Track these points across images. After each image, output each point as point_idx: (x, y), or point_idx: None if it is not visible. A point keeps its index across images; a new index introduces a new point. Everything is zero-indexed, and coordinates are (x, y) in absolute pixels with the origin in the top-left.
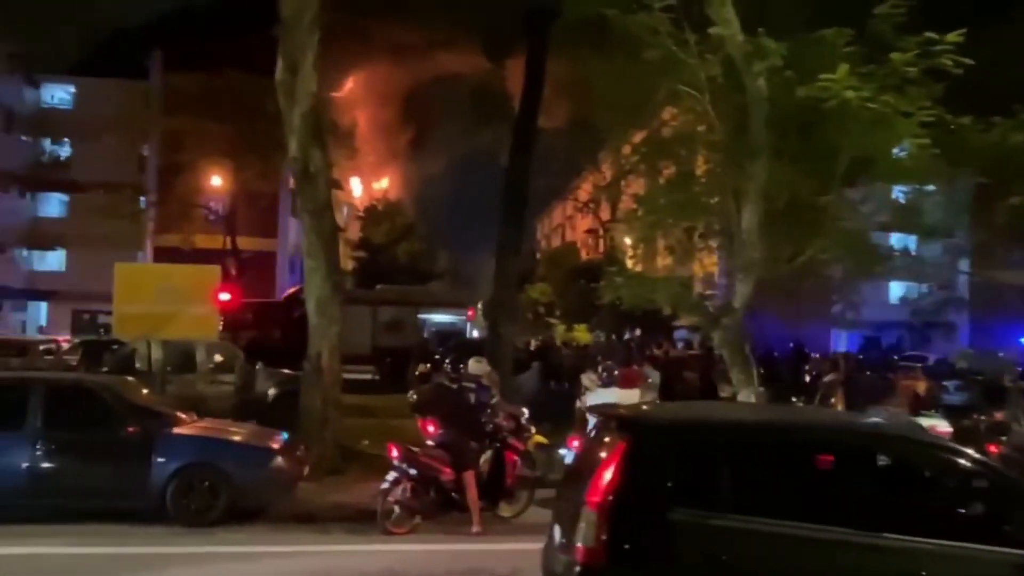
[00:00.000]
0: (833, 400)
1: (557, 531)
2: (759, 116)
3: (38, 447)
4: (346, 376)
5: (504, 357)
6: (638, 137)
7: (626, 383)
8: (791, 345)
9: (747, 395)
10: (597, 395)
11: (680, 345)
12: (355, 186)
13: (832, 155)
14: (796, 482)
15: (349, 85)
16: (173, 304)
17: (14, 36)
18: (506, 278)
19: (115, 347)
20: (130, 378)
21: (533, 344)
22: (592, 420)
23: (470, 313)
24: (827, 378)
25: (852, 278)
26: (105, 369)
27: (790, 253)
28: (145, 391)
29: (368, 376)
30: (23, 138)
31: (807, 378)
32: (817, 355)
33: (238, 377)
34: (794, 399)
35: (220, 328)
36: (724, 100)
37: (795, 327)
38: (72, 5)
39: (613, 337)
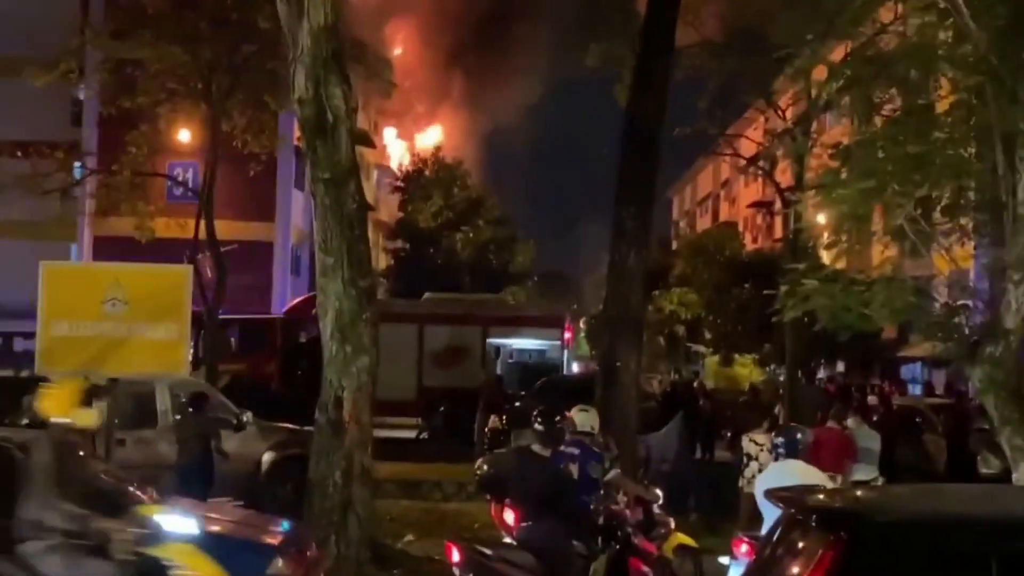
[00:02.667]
0: None
1: None
2: None
3: None
4: (380, 433)
5: (624, 405)
6: (838, 53)
7: (823, 454)
8: None
9: None
10: (772, 471)
11: (912, 389)
12: (392, 141)
13: None
14: None
15: None
16: (123, 323)
17: None
18: (625, 281)
19: (40, 386)
20: None
21: (669, 385)
22: (769, 510)
23: (567, 336)
24: None
25: None
26: (24, 422)
27: None
28: (81, 454)
29: (413, 433)
30: None
31: None
32: None
33: (179, 429)
34: None
35: (191, 359)
36: None
37: None
38: None
39: (799, 375)
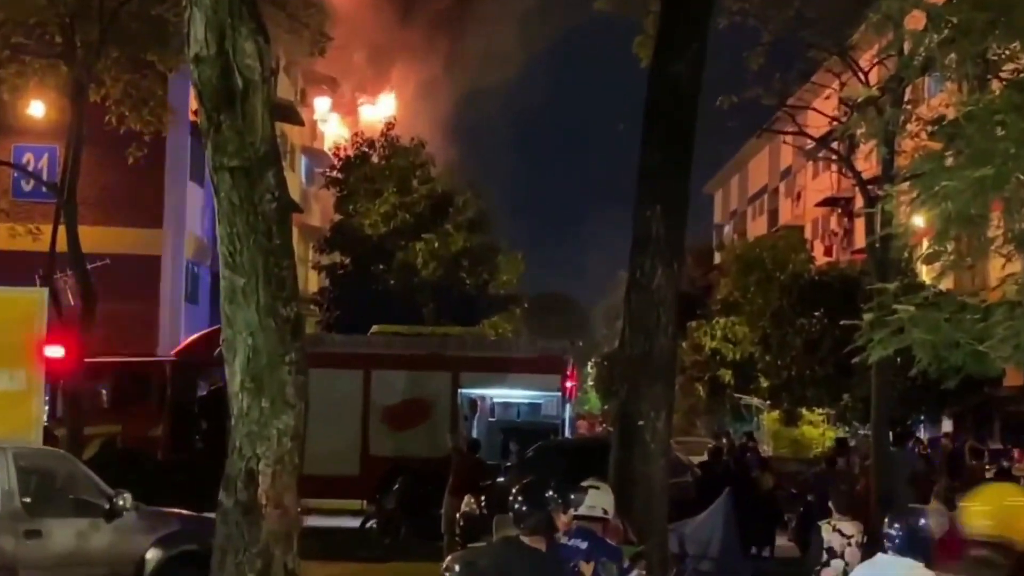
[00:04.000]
0: None
1: None
2: None
3: None
4: (311, 521)
5: (650, 480)
6: None
7: (945, 549)
8: None
9: None
10: (869, 567)
11: None
12: (325, 116)
13: None
14: None
15: None
16: None
17: None
18: (650, 308)
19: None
20: None
21: (711, 452)
22: None
23: (569, 384)
24: None
25: None
26: None
27: None
28: None
29: (356, 521)
30: None
31: None
32: None
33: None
34: None
35: (46, 419)
36: None
37: None
38: None
39: (892, 437)
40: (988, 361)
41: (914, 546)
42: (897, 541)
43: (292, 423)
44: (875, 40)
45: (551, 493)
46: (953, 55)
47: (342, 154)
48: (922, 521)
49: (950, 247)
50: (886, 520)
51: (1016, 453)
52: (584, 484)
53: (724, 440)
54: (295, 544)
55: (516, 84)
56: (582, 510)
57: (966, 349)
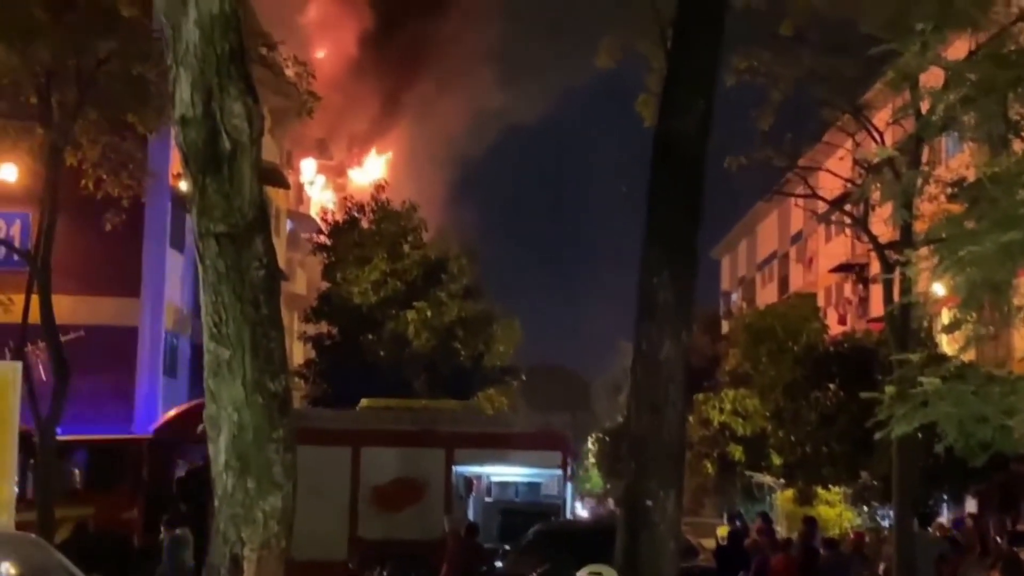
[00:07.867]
0: None
1: None
2: None
3: None
4: None
5: (658, 564)
6: (960, 49)
7: None
8: None
9: None
10: None
11: None
12: (311, 180)
13: None
14: None
15: None
16: None
17: None
18: (657, 380)
19: None
20: None
21: (725, 538)
22: None
23: (570, 462)
24: None
25: None
26: None
27: None
28: None
29: None
30: None
31: None
32: None
33: None
34: None
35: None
36: None
37: None
38: None
39: (914, 518)
40: (1016, 436)
41: None
42: None
43: (279, 505)
44: (890, 98)
45: None
46: (972, 114)
47: (330, 219)
48: None
49: (973, 316)
50: None
51: None
52: (588, 570)
53: (738, 523)
54: None
55: (518, 144)
56: None
57: (994, 424)
